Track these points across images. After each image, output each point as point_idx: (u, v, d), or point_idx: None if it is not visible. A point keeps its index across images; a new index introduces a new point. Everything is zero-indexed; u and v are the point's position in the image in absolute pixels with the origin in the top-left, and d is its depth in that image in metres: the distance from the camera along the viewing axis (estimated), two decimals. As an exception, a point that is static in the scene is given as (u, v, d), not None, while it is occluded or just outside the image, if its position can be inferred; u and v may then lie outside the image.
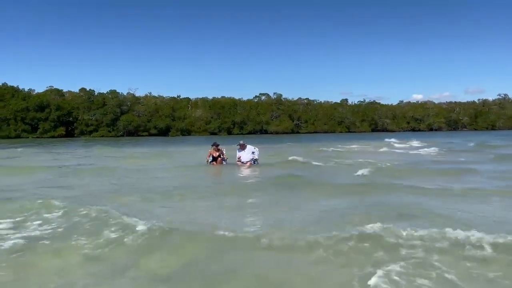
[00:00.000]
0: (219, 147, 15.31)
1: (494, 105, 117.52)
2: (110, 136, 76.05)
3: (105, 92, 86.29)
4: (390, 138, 41.18)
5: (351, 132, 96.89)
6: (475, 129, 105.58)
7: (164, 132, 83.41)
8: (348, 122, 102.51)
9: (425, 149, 24.72)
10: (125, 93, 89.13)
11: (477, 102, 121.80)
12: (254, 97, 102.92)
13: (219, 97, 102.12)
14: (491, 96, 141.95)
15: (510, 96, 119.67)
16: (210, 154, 15.16)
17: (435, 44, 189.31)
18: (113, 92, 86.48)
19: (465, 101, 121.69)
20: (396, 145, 31.19)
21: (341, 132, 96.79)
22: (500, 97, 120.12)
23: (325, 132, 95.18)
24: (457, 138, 46.71)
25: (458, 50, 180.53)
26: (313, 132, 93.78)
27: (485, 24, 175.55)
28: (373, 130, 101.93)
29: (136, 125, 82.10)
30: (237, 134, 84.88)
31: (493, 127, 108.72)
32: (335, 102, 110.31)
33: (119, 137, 75.82)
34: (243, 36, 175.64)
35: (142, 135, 79.87)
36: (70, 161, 18.98)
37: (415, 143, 32.51)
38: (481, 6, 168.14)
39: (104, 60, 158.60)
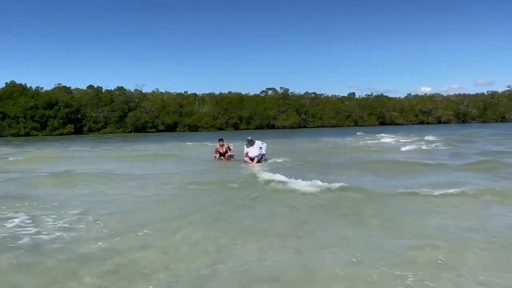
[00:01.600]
0: (224, 143, 15.35)
1: (503, 97, 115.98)
2: (118, 133, 76.43)
3: (112, 89, 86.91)
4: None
5: (358, 126, 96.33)
6: (484, 122, 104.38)
7: (171, 128, 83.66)
8: (356, 116, 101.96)
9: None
10: (132, 90, 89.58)
11: (486, 94, 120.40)
12: (260, 92, 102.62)
13: (226, 92, 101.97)
14: (500, 88, 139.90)
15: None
16: (217, 150, 15.23)
17: (444, 36, 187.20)
18: (120, 88, 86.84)
19: (474, 93, 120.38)
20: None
21: (349, 126, 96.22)
22: (510, 89, 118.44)
23: (333, 126, 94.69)
24: (445, 130, 45.77)
25: (467, 42, 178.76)
26: (321, 127, 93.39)
27: (494, 15, 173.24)
28: (380, 124, 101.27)
29: (144, 122, 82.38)
30: (244, 129, 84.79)
31: (502, 119, 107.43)
32: (342, 96, 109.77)
33: (127, 133, 76.13)
34: (249, 31, 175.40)
35: (150, 131, 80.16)
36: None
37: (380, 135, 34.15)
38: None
39: (111, 57, 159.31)
